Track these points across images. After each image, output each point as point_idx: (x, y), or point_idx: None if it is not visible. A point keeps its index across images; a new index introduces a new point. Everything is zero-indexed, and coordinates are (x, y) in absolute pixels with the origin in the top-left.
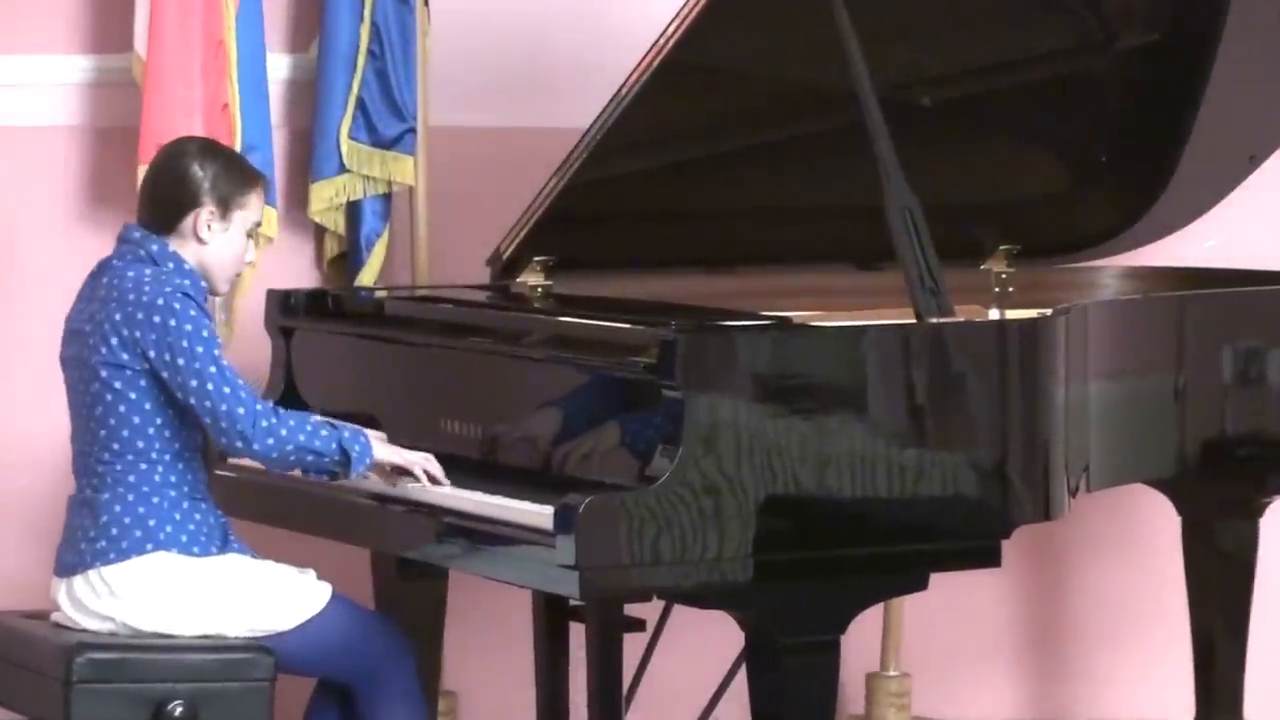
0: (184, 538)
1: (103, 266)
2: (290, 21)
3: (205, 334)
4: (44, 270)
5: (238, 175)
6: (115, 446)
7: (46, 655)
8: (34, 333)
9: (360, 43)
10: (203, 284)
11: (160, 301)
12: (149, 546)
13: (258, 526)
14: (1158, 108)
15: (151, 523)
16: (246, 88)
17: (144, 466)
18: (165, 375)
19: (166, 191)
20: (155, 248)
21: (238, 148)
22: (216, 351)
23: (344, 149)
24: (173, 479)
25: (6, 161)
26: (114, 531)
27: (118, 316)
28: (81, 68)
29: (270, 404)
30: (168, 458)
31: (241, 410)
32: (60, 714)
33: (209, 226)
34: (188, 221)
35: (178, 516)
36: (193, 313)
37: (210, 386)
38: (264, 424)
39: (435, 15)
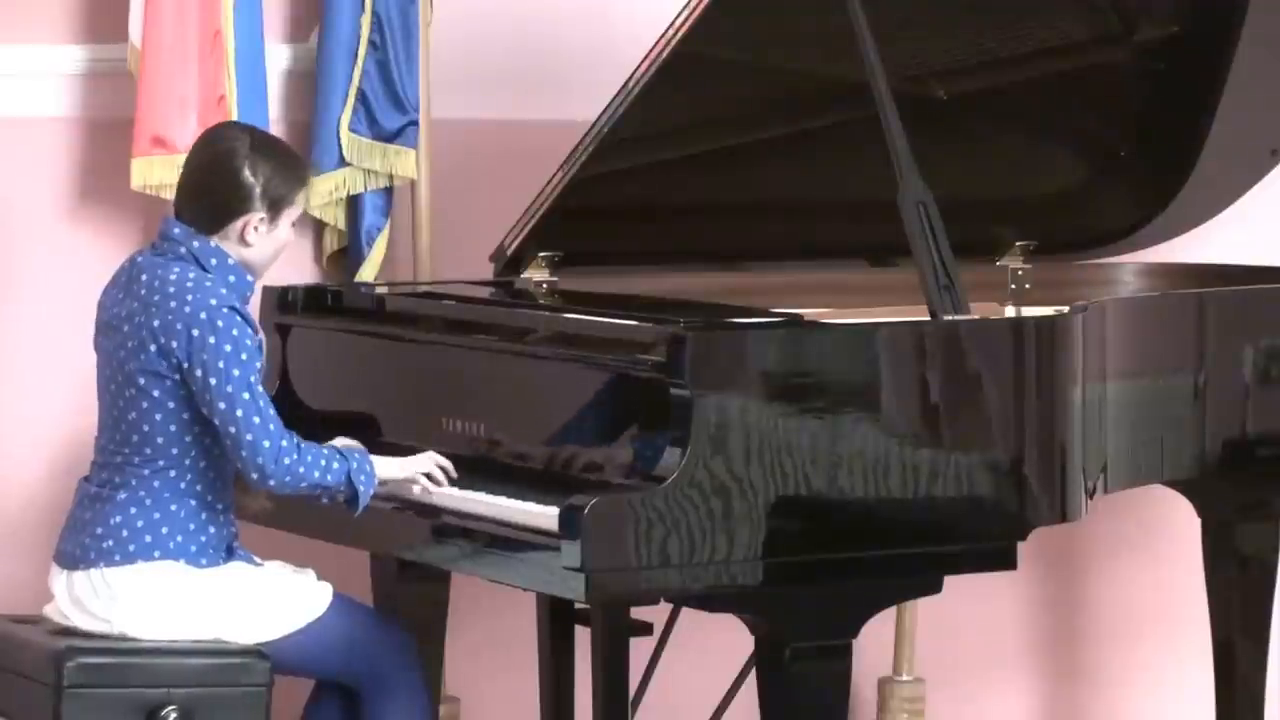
0: (193, 548)
1: (143, 261)
2: (290, 11)
3: (244, 356)
4: (38, 263)
5: (290, 174)
6: (148, 451)
7: (37, 659)
8: (28, 326)
9: (361, 33)
10: (249, 278)
11: (203, 315)
12: (156, 554)
13: (254, 526)
14: (1177, 101)
15: (164, 530)
16: (244, 79)
17: (173, 473)
18: (195, 389)
19: (215, 194)
20: (197, 244)
21: None
22: (253, 378)
23: (344, 142)
24: (199, 487)
25: None
26: (124, 533)
27: (156, 324)
28: (76, 58)
29: (295, 437)
30: (202, 464)
31: (267, 444)
32: None
33: (256, 229)
34: (235, 226)
35: (192, 527)
36: (234, 332)
37: (239, 413)
38: (286, 461)
39: (438, 5)
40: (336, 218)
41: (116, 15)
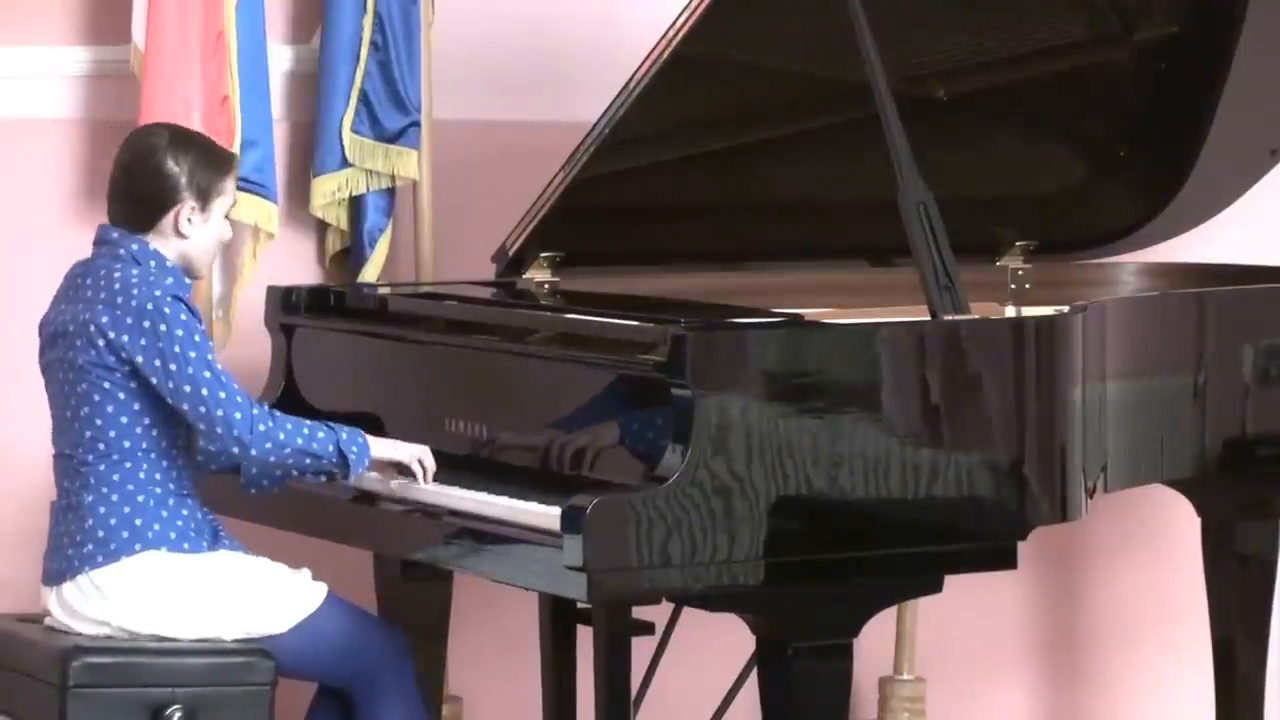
0: (172, 534)
1: (84, 268)
2: (292, 12)
3: (197, 338)
4: (39, 265)
5: (214, 163)
6: (101, 447)
7: (42, 660)
8: (28, 329)
9: (363, 34)
10: (187, 281)
11: (150, 306)
12: (137, 547)
13: (254, 525)
14: (1177, 101)
15: (138, 522)
16: (247, 80)
17: (129, 465)
18: (155, 381)
19: (142, 190)
20: (136, 247)
21: (237, 141)
22: (210, 356)
23: (346, 142)
24: (157, 476)
25: (2, 155)
26: (100, 534)
27: (105, 319)
28: (79, 59)
29: (266, 406)
30: (153, 456)
31: (238, 415)
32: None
33: (189, 220)
34: (168, 219)
35: (164, 514)
36: (183, 316)
37: (205, 392)
38: (261, 428)
39: (439, 6)
40: (339, 218)
41: (119, 17)
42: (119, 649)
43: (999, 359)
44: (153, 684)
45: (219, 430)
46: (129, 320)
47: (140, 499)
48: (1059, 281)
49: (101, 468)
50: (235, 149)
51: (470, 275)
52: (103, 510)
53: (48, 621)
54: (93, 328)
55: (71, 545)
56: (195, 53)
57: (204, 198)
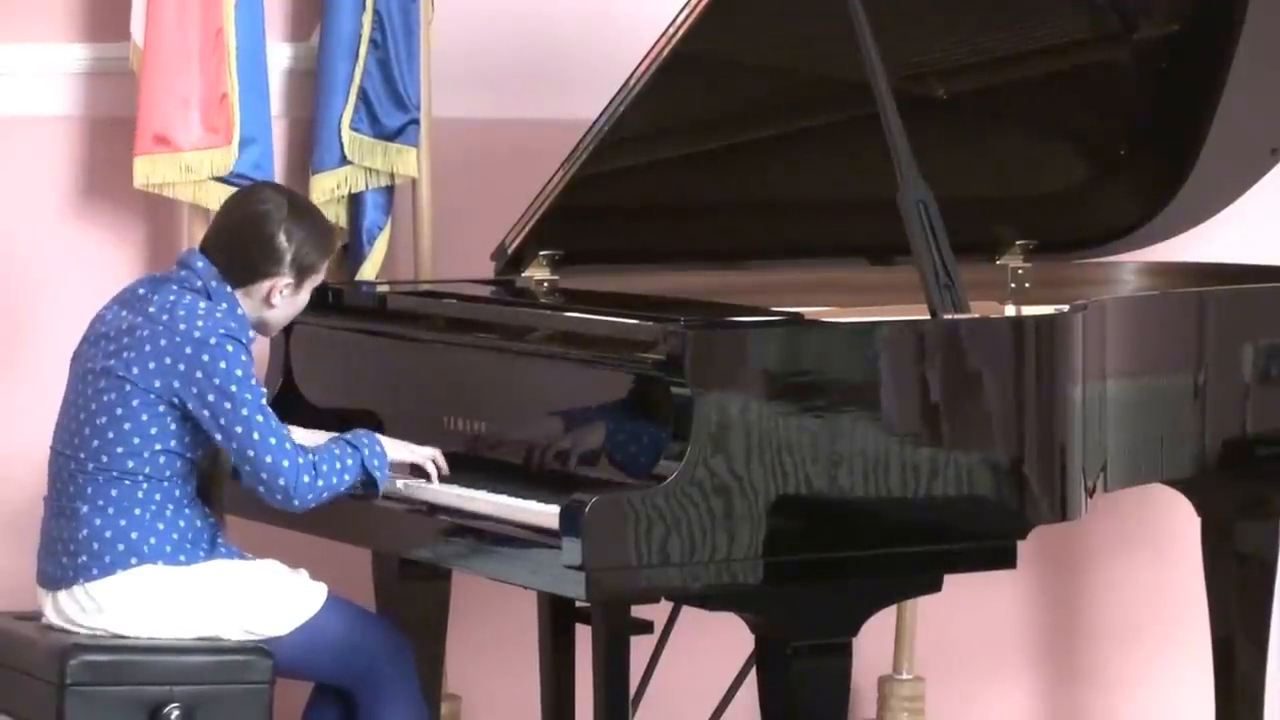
0: (168, 548)
1: (155, 283)
2: (291, 9)
3: (253, 382)
4: (38, 263)
5: (321, 243)
6: (104, 459)
7: (40, 658)
8: (28, 326)
9: (362, 31)
10: (251, 333)
11: (212, 341)
12: (133, 560)
13: (253, 526)
14: (1178, 100)
15: (134, 535)
16: (246, 77)
17: (128, 483)
18: (205, 414)
19: (248, 253)
20: (214, 284)
21: (236, 139)
22: (263, 400)
23: (345, 140)
24: (157, 496)
25: (1, 152)
26: (95, 546)
27: (163, 343)
28: (77, 56)
29: (309, 455)
30: (155, 479)
31: (286, 464)
32: (53, 718)
33: (281, 293)
34: (262, 286)
35: (161, 526)
36: (243, 358)
37: (256, 436)
38: (306, 479)
39: (439, 4)
40: (338, 216)
41: (118, 14)
42: (117, 647)
43: (999, 358)
44: (151, 682)
45: (264, 476)
46: (187, 350)
47: (137, 513)
48: (1059, 281)
49: (100, 479)
50: (234, 146)
51: (469, 273)
52: (98, 522)
53: (45, 620)
54: (148, 348)
55: (65, 554)
56: (194, 50)
57: (301, 276)
